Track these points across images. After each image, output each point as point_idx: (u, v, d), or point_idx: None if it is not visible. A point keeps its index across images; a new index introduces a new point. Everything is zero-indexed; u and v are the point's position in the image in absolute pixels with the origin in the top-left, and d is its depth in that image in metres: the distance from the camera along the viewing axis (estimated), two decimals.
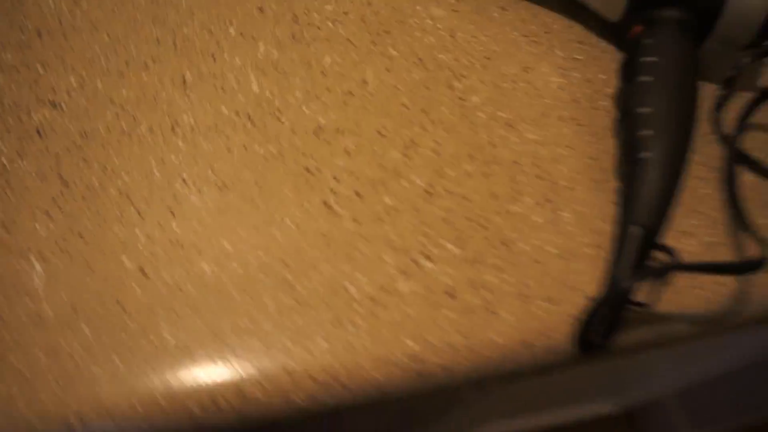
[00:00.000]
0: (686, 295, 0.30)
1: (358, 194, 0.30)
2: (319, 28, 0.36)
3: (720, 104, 0.37)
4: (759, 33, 0.34)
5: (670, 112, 0.31)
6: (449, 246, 0.29)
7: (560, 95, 0.36)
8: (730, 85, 0.37)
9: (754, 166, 0.36)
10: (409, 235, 0.30)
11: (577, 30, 0.39)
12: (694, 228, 0.33)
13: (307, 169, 0.31)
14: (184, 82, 0.33)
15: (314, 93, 0.34)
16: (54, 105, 0.32)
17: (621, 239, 0.29)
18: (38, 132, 0.31)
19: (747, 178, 0.36)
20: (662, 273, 0.28)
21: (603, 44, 0.38)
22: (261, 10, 0.36)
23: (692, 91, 0.33)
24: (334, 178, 0.31)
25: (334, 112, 0.33)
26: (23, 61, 0.33)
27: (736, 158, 0.36)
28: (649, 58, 0.32)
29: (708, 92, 0.37)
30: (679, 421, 1.00)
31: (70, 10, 0.35)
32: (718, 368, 0.78)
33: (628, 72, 0.33)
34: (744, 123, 0.35)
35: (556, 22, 0.39)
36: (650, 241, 0.29)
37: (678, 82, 0.32)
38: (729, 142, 0.35)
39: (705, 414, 0.94)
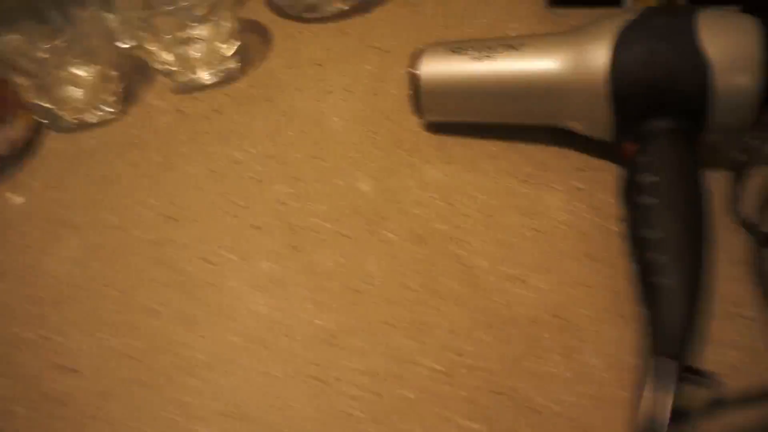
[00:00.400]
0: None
1: (377, 394, 0.40)
2: (316, 231, 0.48)
3: (736, 193, 0.44)
4: (757, 114, 0.42)
5: (680, 232, 0.39)
6: (476, 426, 0.38)
7: (568, 233, 0.45)
8: (742, 171, 0.44)
9: None
10: (434, 425, 0.38)
11: (573, 158, 0.48)
12: (733, 336, 0.39)
13: (325, 382, 0.41)
14: (194, 320, 0.45)
15: (322, 301, 0.44)
16: (73, 371, 0.44)
17: (653, 372, 0.36)
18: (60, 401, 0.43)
19: None
20: (702, 413, 0.34)
21: (602, 164, 0.48)
22: (257, 227, 0.49)
23: (699, 199, 0.40)
24: (351, 383, 0.40)
25: (344, 315, 0.43)
26: (40, 334, 0.46)
27: (764, 243, 0.42)
28: (648, 178, 0.41)
29: (722, 179, 0.45)
30: None
31: (80, 272, 0.49)
32: None
33: (630, 194, 0.42)
34: (766, 205, 0.42)
35: (550, 155, 0.49)
36: (686, 369, 0.36)
37: (683, 197, 0.40)
38: (753, 230, 0.42)
39: None
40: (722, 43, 0.41)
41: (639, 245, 0.40)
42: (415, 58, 0.49)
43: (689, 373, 0.36)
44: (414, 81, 0.48)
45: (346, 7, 0.64)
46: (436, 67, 0.47)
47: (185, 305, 0.45)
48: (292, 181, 0.51)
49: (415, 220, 0.47)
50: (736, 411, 0.35)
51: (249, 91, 0.59)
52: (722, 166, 0.47)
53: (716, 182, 0.46)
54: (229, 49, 0.59)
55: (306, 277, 0.45)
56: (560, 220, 0.45)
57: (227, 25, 0.58)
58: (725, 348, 0.39)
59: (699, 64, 0.41)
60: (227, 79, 0.60)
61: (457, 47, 0.48)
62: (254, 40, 0.64)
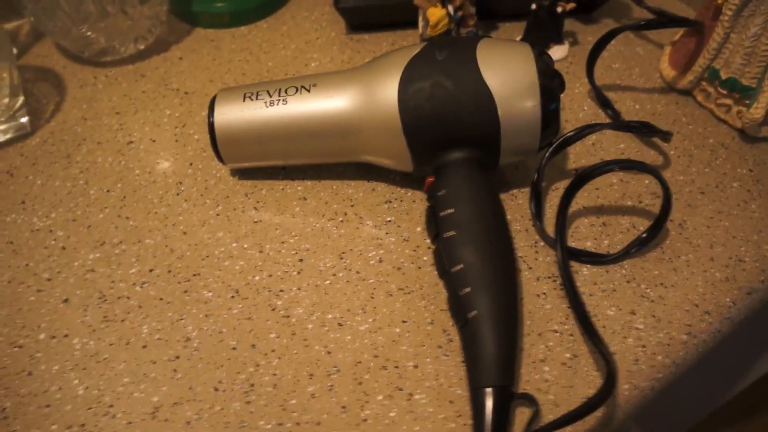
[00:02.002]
0: None
1: None
2: (128, 297, 0.44)
3: (536, 211, 0.45)
4: (543, 136, 0.43)
5: (480, 262, 0.39)
6: None
7: (381, 269, 0.44)
8: (537, 189, 0.45)
9: (585, 256, 0.44)
10: None
11: (380, 190, 0.48)
12: (547, 352, 0.40)
13: None
14: (3, 414, 0.40)
15: (141, 372, 0.41)
16: None
17: (476, 405, 0.36)
18: None
19: (583, 273, 0.44)
20: None
21: (409, 194, 0.47)
22: (65, 300, 0.44)
23: (497, 226, 0.41)
24: None
25: (166, 385, 0.40)
26: None
27: (569, 256, 0.44)
28: (446, 211, 0.41)
29: (523, 200, 0.46)
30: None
31: None
32: None
33: (432, 228, 0.42)
34: (563, 222, 0.44)
35: (358, 190, 0.48)
36: (506, 396, 0.36)
37: (480, 227, 0.40)
38: (556, 244, 0.43)
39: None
40: (502, 72, 0.42)
41: (446, 279, 0.40)
42: (210, 105, 0.46)
43: (509, 399, 0.36)
44: (210, 130, 0.45)
45: (142, 47, 0.59)
46: (230, 115, 0.45)
47: None
48: (98, 245, 0.46)
49: (229, 274, 0.44)
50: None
51: (43, 147, 0.53)
52: (521, 187, 0.48)
53: (516, 204, 0.47)
54: (13, 104, 0.53)
55: (122, 350, 0.42)
56: (372, 256, 0.45)
57: (5, 77, 0.51)
58: (539, 364, 0.40)
59: (483, 95, 0.41)
60: (17, 136, 0.54)
61: (251, 92, 0.45)
62: (45, 89, 0.58)
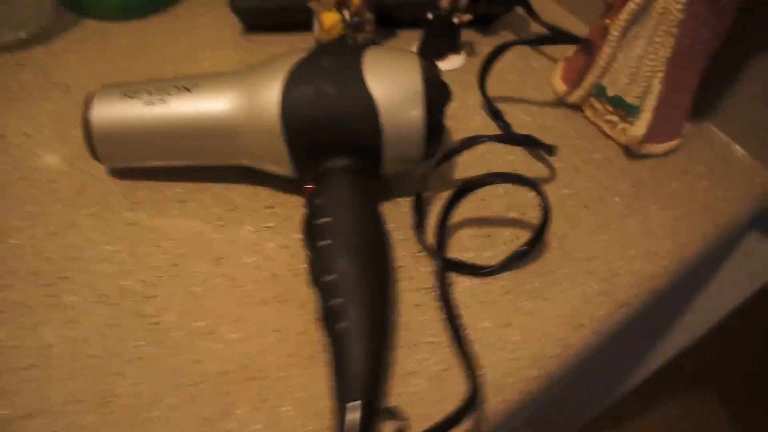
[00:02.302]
0: None
1: None
2: None
3: (419, 221, 0.45)
4: (427, 146, 0.43)
5: (354, 273, 0.38)
6: None
7: (258, 276, 0.43)
8: (420, 199, 0.45)
9: (464, 268, 0.44)
10: None
11: (262, 195, 0.46)
12: (420, 363, 0.40)
13: None
14: None
15: None
16: None
17: (340, 419, 0.35)
18: None
19: (462, 284, 0.44)
20: None
21: (292, 200, 0.46)
22: None
23: (375, 236, 0.40)
24: None
25: (20, 397, 0.37)
26: None
27: (446, 267, 0.44)
28: (322, 220, 0.40)
29: (406, 210, 0.46)
30: None
31: None
32: None
33: (308, 236, 0.41)
34: (443, 229, 0.44)
35: (240, 194, 0.46)
36: (372, 410, 0.36)
37: (356, 237, 0.40)
38: (435, 255, 0.43)
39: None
40: (387, 81, 0.41)
41: (318, 288, 0.39)
42: (87, 101, 0.43)
43: (374, 414, 0.36)
44: (86, 126, 0.43)
45: (23, 35, 0.56)
46: (108, 113, 0.43)
47: None
48: None
49: (97, 278, 0.42)
50: None
51: None
52: (406, 195, 0.47)
53: (401, 213, 0.47)
54: None
55: None
56: (249, 263, 0.43)
57: None
58: (411, 377, 0.39)
59: (366, 104, 0.40)
60: None
61: (131, 90, 0.43)
62: None
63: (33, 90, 0.53)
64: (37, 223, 0.45)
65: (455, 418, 0.35)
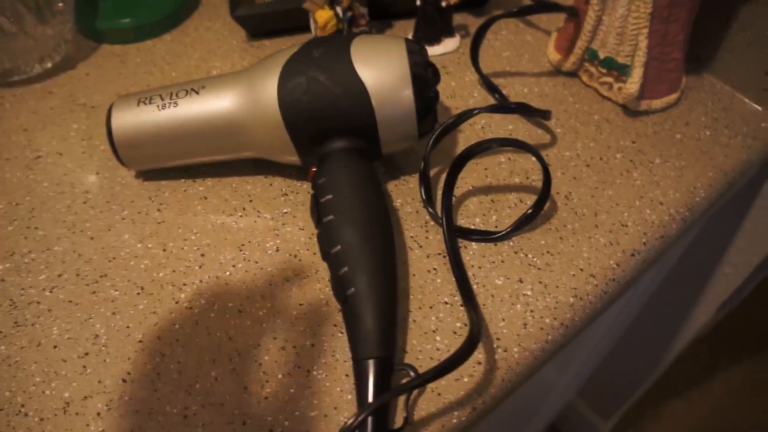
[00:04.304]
0: (434, 402, 0.40)
1: None
2: (38, 302, 0.46)
3: (426, 193, 0.49)
4: (421, 123, 0.46)
5: (357, 243, 0.42)
6: None
7: (279, 257, 0.47)
8: (425, 173, 0.49)
9: (475, 234, 0.48)
10: None
11: (277, 184, 0.51)
12: (438, 323, 0.43)
13: None
14: None
15: (52, 371, 0.43)
16: None
17: (358, 376, 0.39)
18: None
19: (472, 248, 0.47)
20: (399, 393, 0.38)
21: (306, 185, 0.51)
22: None
23: (376, 210, 0.44)
24: None
25: (77, 381, 0.42)
26: None
27: (456, 234, 0.47)
28: (325, 197, 0.44)
29: (414, 184, 0.49)
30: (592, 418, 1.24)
31: None
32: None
33: (315, 215, 0.44)
34: (449, 199, 0.47)
35: (256, 186, 0.51)
36: (387, 366, 0.39)
37: (357, 210, 0.43)
38: (442, 222, 0.47)
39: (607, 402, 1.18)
40: (375, 65, 0.45)
41: (328, 261, 0.43)
42: (108, 112, 0.48)
43: (390, 369, 0.40)
44: (109, 134, 0.48)
45: (49, 65, 0.62)
46: (125, 120, 0.48)
47: None
48: (8, 255, 0.49)
49: (134, 273, 0.47)
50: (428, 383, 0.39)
51: None
52: (413, 173, 0.51)
53: (408, 189, 0.51)
54: None
55: (32, 351, 0.44)
56: (270, 246, 0.48)
57: None
58: (430, 335, 0.43)
59: (356, 87, 0.44)
60: None
61: (145, 97, 0.48)
62: None
63: (62, 113, 0.59)
64: (76, 231, 0.50)
65: (454, 360, 0.37)
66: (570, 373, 1.02)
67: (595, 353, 1.02)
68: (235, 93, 0.46)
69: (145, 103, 0.48)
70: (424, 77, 0.46)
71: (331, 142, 0.45)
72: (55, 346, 0.44)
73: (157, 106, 0.47)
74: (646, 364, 1.09)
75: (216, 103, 0.46)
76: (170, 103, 0.47)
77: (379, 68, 0.45)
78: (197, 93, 0.47)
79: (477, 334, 0.39)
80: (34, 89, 0.61)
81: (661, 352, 1.04)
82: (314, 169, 0.46)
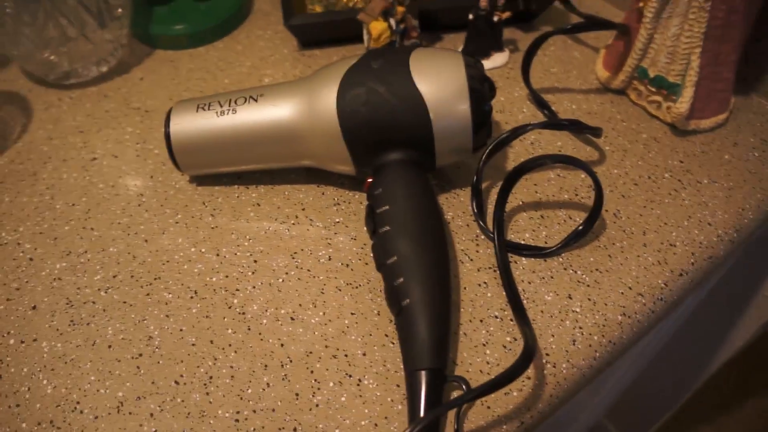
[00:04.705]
0: (483, 415, 0.41)
1: None
2: (94, 302, 0.47)
3: (477, 207, 0.49)
4: (476, 137, 0.47)
5: (412, 254, 0.42)
6: None
7: (331, 266, 0.47)
8: (477, 188, 0.49)
9: (526, 250, 0.48)
10: None
11: (329, 194, 0.51)
12: (489, 336, 0.44)
13: None
14: None
15: (107, 370, 0.44)
16: None
17: (410, 387, 0.40)
18: None
19: (523, 263, 0.48)
20: (452, 407, 0.38)
21: (358, 195, 0.51)
22: (33, 308, 0.47)
23: (431, 221, 0.44)
24: None
25: (130, 381, 0.43)
26: None
27: (506, 248, 0.48)
28: (382, 208, 0.44)
29: (465, 198, 0.50)
30: None
31: None
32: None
33: (371, 226, 0.45)
34: (500, 214, 0.47)
35: (308, 195, 0.52)
36: (439, 378, 0.40)
37: (413, 222, 0.44)
38: (493, 236, 0.47)
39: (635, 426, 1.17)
40: (434, 78, 0.45)
41: (383, 271, 0.43)
42: (166, 117, 0.49)
43: (442, 381, 0.40)
44: (167, 139, 0.49)
45: (105, 69, 0.63)
46: (184, 125, 0.48)
47: None
48: (65, 255, 0.50)
49: (188, 276, 0.48)
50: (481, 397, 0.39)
51: (11, 167, 0.57)
52: (464, 186, 0.52)
53: (459, 203, 0.51)
54: None
55: (88, 349, 0.45)
56: (322, 255, 0.48)
57: None
58: (481, 348, 0.43)
59: (414, 99, 0.45)
60: None
61: (204, 103, 0.49)
62: (12, 112, 0.61)
63: (117, 116, 0.60)
64: (130, 233, 0.51)
65: (509, 374, 0.38)
66: (602, 393, 1.02)
67: (628, 374, 1.01)
68: (293, 102, 0.47)
69: (204, 109, 0.48)
70: (481, 91, 0.46)
71: (388, 154, 0.46)
72: (109, 346, 0.45)
73: (216, 112, 0.48)
74: (676, 385, 1.09)
75: (274, 111, 0.47)
76: (229, 109, 0.48)
77: (437, 81, 0.45)
78: (255, 101, 0.48)
79: (531, 350, 0.39)
80: (90, 92, 0.63)
81: (694, 374, 1.04)
82: (370, 180, 0.47)
